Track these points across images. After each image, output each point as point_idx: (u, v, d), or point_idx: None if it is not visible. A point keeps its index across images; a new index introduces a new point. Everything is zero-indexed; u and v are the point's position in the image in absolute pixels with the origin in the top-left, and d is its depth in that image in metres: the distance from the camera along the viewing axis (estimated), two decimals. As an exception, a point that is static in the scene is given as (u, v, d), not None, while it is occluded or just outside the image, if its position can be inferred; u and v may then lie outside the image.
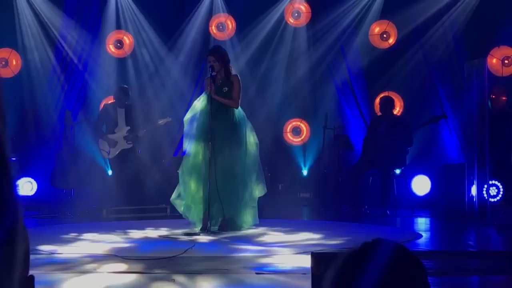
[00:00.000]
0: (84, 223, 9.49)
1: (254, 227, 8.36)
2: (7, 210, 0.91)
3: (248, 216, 8.36)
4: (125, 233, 8.06)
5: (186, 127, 8.45)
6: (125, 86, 11.36)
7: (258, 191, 8.45)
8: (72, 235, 7.79)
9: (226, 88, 8.28)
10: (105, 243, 7.17)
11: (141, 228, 8.52)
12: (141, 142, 11.27)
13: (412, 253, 1.46)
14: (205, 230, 7.92)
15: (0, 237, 0.89)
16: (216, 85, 8.23)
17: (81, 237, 7.63)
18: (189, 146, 8.41)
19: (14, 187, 0.93)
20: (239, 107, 8.44)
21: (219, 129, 8.15)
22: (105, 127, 11.14)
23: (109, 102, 11.58)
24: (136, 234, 8.00)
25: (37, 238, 7.03)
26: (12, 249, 0.92)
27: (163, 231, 8.21)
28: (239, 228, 8.18)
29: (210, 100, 8.14)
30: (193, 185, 8.33)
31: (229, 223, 8.16)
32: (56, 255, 6.29)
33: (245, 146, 8.33)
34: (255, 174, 8.43)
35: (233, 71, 8.48)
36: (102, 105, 12.21)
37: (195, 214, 8.31)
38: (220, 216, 8.14)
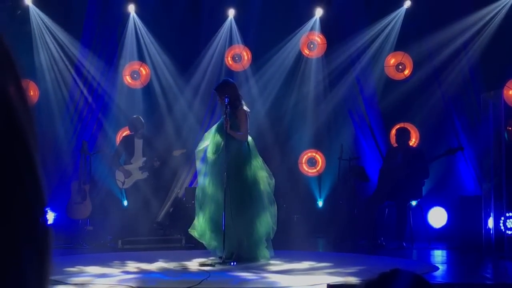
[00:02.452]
0: (99, 253, 9.49)
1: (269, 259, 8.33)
2: (39, 237, 0.92)
3: (264, 248, 8.34)
4: (140, 263, 8.04)
5: (198, 159, 8.60)
6: (137, 116, 11.40)
7: (272, 224, 8.46)
8: (88, 265, 7.78)
9: (230, 122, 8.35)
10: (120, 274, 7.16)
11: (156, 258, 8.50)
12: (156, 172, 11.29)
13: (431, 284, 1.44)
14: (221, 260, 7.90)
15: (32, 264, 0.90)
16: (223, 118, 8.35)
17: (96, 267, 7.62)
18: (201, 177, 8.53)
19: (46, 215, 0.94)
20: (249, 141, 8.51)
21: (225, 162, 8.25)
22: (123, 158, 11.19)
23: (126, 133, 11.65)
24: (151, 264, 7.98)
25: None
26: (42, 276, 0.93)
27: (178, 262, 8.18)
28: (254, 260, 8.16)
29: (224, 133, 8.25)
30: (208, 215, 8.36)
31: (244, 255, 8.14)
32: (70, 286, 6.28)
33: (251, 179, 8.33)
34: (269, 207, 8.44)
35: (242, 105, 8.53)
36: (119, 136, 12.28)
37: (214, 243, 8.33)
38: (235, 248, 8.13)
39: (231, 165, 8.23)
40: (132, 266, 7.86)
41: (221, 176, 8.15)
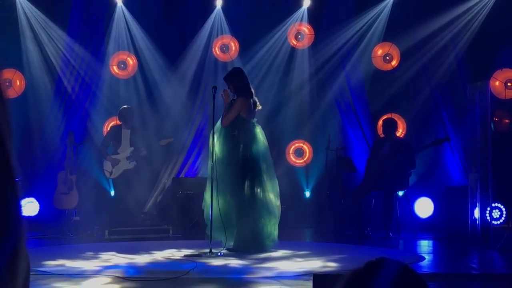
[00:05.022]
0: (86, 243, 9.46)
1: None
2: (12, 228, 0.91)
3: (274, 230, 8.37)
4: (127, 253, 8.02)
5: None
6: (129, 106, 11.38)
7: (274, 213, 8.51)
8: (74, 255, 7.75)
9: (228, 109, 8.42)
10: (106, 264, 7.14)
11: (143, 249, 8.48)
12: (144, 162, 11.27)
13: (418, 273, 1.44)
14: (210, 251, 7.86)
15: (4, 256, 0.89)
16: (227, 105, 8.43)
17: (82, 258, 7.60)
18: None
19: (19, 206, 0.93)
20: (253, 125, 8.50)
21: (218, 149, 8.28)
22: (110, 148, 11.16)
23: (115, 123, 11.63)
24: (138, 255, 7.96)
25: (37, 258, 7.02)
26: (15, 268, 0.92)
27: (165, 252, 8.18)
28: (263, 249, 8.16)
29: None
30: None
31: (243, 244, 8.15)
32: (55, 275, 6.25)
33: (242, 164, 8.32)
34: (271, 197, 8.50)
35: (251, 94, 8.56)
36: (105, 126, 12.25)
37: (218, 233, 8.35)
38: (226, 236, 8.15)
39: (220, 151, 8.26)
40: (118, 256, 7.84)
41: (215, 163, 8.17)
